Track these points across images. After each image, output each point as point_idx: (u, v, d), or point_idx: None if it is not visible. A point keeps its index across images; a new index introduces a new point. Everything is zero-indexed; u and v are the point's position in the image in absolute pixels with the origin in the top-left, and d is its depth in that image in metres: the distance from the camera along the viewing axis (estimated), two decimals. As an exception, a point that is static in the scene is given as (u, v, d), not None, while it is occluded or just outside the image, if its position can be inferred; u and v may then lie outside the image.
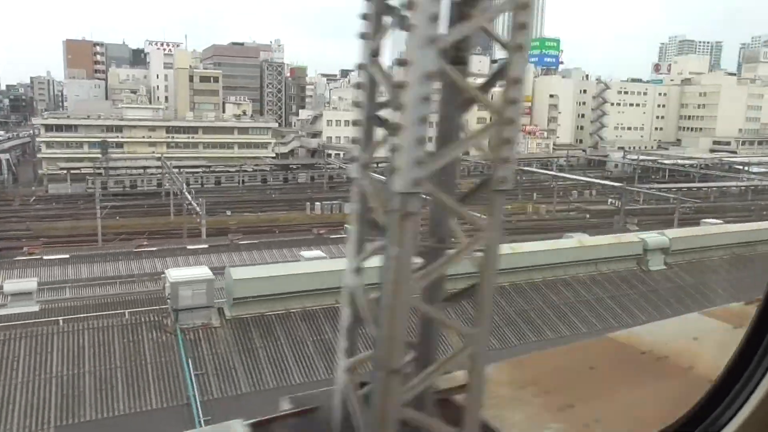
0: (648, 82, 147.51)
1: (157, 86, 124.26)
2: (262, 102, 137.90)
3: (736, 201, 79.61)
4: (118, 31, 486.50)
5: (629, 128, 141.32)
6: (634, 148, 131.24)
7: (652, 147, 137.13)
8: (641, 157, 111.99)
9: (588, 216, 71.95)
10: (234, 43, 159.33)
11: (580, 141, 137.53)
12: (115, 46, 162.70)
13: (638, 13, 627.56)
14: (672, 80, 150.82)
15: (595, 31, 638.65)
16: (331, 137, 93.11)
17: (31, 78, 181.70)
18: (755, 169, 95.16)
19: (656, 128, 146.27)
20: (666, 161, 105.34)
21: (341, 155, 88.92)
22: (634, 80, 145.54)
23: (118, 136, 79.61)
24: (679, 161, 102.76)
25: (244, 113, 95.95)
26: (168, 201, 64.88)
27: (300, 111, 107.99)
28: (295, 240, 37.95)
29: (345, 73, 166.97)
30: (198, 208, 41.51)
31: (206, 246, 33.09)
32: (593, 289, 16.80)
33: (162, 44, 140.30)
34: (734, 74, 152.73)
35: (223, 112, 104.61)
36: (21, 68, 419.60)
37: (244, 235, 47.16)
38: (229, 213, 66.08)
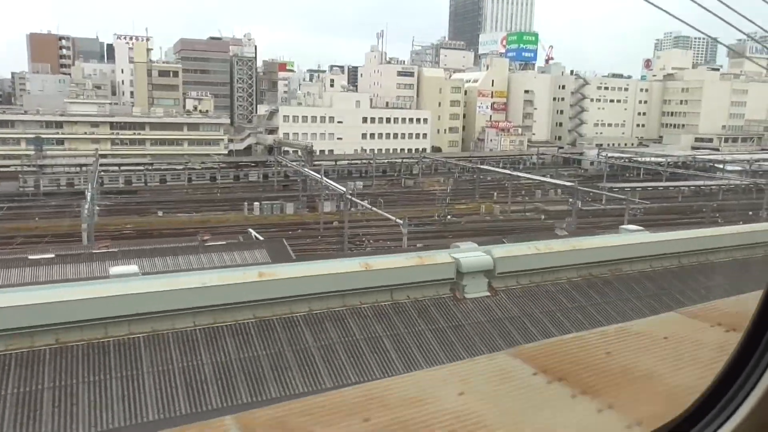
0: (630, 77, 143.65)
1: (122, 81, 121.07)
2: (232, 97, 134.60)
3: (698, 202, 76.24)
4: (110, 27, 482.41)
5: (609, 125, 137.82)
6: (612, 145, 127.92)
7: (632, 144, 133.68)
8: (616, 155, 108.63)
9: (543, 217, 68.66)
10: (212, 38, 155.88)
11: (559, 138, 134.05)
12: (87, 40, 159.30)
13: (638, 11, 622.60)
14: (654, 75, 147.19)
15: (595, 30, 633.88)
16: (288, 134, 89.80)
17: (12, 73, 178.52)
18: (731, 168, 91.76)
19: (638, 125, 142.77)
20: (641, 159, 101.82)
21: (297, 152, 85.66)
22: (615, 75, 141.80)
23: (58, 133, 76.34)
24: (654, 159, 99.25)
25: (194, 108, 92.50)
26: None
27: (258, 106, 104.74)
28: (173, 247, 34.29)
29: (337, 69, 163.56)
30: (86, 210, 38.01)
31: (52, 256, 29.40)
32: (376, 325, 13.32)
33: (131, 38, 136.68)
34: (717, 69, 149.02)
35: (184, 107, 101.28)
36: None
37: (139, 239, 43.59)
38: (160, 213, 62.72)
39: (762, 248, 21.91)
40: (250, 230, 40.26)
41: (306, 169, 64.18)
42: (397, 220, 41.57)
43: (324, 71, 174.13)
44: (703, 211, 58.12)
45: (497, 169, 74.32)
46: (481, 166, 77.04)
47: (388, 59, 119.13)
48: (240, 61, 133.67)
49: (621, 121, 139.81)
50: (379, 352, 13.47)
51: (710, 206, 58.42)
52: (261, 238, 38.34)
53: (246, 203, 65.15)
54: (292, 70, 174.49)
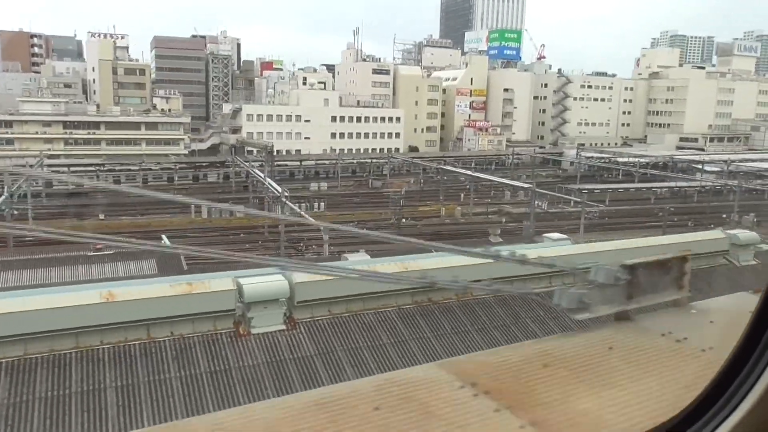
0: (615, 75, 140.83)
1: (93, 80, 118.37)
2: (207, 96, 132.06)
3: (668, 204, 73.55)
4: (102, 26, 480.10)
5: (593, 124, 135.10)
6: (595, 144, 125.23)
7: (616, 144, 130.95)
8: (594, 155, 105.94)
9: (504, 220, 65.95)
10: (194, 36, 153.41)
11: (542, 138, 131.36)
12: (63, 38, 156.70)
13: (637, 11, 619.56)
14: (640, 74, 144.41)
15: (595, 30, 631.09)
16: (252, 133, 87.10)
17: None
18: (711, 168, 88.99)
19: (623, 124, 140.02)
20: (619, 159, 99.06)
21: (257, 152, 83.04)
22: (599, 74, 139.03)
23: (7, 132, 73.70)
24: (632, 159, 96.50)
25: (153, 107, 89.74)
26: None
27: (224, 105, 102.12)
28: (59, 258, 31.61)
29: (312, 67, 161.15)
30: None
31: None
32: (120, 374, 10.79)
33: (105, 36, 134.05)
34: (703, 67, 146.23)
35: (153, 106, 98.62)
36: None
37: (42, 246, 40.76)
38: (101, 217, 60.10)
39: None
40: (164, 237, 37.59)
41: (256, 170, 61.48)
42: (319, 225, 38.82)
43: (313, 69, 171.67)
44: (660, 215, 55.27)
45: (458, 170, 71.70)
46: (444, 167, 74.16)
47: (363, 57, 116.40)
48: (215, 59, 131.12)
49: (605, 120, 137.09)
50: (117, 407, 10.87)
51: (670, 210, 55.62)
52: (169, 243, 35.63)
53: (192, 206, 62.37)
54: (279, 69, 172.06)
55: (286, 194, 47.50)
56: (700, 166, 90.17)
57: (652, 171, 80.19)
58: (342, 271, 13.66)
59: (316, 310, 13.95)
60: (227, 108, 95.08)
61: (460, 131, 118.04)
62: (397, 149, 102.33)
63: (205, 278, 13.87)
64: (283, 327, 13.19)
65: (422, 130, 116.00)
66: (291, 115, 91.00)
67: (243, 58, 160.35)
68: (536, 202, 66.87)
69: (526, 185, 58.85)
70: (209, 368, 11.86)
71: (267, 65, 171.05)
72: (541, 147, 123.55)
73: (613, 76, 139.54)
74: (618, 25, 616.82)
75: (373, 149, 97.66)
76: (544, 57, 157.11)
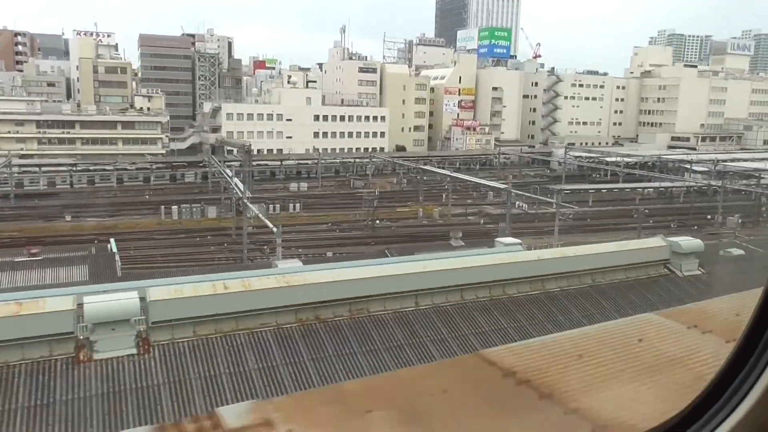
0: (606, 74, 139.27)
1: (77, 78, 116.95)
2: (194, 95, 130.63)
3: (652, 205, 72.14)
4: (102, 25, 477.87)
5: (585, 123, 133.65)
6: (585, 144, 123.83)
7: (607, 143, 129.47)
8: (583, 154, 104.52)
9: (482, 221, 64.55)
10: (186, 34, 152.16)
11: (532, 137, 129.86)
12: (50, 36, 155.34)
13: (636, 11, 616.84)
14: (632, 73, 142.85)
15: (594, 30, 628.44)
16: (232, 132, 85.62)
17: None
18: (699, 168, 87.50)
19: (615, 123, 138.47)
20: (607, 159, 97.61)
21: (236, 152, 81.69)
22: (590, 72, 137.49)
23: (-22, 132, 72.45)
24: (619, 159, 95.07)
25: (131, 106, 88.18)
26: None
27: (204, 104, 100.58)
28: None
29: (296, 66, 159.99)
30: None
31: None
32: None
33: (92, 34, 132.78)
34: (695, 66, 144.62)
35: (132, 105, 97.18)
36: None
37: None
38: (68, 218, 58.66)
39: (640, 270, 17.82)
40: (112, 241, 36.17)
41: (226, 170, 60.05)
42: (273, 228, 37.39)
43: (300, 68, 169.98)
44: (633, 216, 53.84)
45: (436, 170, 70.21)
46: (422, 167, 72.72)
47: (350, 55, 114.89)
48: (202, 58, 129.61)
49: (597, 119, 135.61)
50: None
51: (645, 211, 54.19)
52: (115, 250, 34.33)
53: (163, 207, 61.04)
54: (272, 68, 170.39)
55: (248, 196, 45.99)
56: (688, 166, 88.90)
57: (637, 171, 78.64)
58: (203, 286, 12.15)
59: (178, 331, 12.55)
60: (208, 107, 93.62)
61: (448, 130, 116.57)
62: (382, 149, 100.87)
63: (41, 296, 12.45)
64: (134, 351, 11.78)
65: (410, 129, 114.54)
66: (272, 114, 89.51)
67: (241, 57, 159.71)
68: (517, 203, 65.52)
69: (502, 186, 57.34)
70: (29, 402, 10.42)
71: (260, 64, 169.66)
72: (531, 146, 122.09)
73: (605, 74, 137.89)
74: (618, 25, 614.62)
75: (358, 149, 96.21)
76: (539, 56, 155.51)
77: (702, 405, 1.44)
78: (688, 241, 18.26)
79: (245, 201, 44.04)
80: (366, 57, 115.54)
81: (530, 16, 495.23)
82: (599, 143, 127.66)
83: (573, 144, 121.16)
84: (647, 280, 17.25)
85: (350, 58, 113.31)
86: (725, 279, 18.39)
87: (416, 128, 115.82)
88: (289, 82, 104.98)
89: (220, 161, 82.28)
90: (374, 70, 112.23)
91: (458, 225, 63.67)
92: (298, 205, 67.06)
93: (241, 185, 51.24)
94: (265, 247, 49.08)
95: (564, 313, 15.38)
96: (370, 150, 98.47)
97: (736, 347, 1.43)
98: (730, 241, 60.18)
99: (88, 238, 49.48)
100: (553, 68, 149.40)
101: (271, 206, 66.01)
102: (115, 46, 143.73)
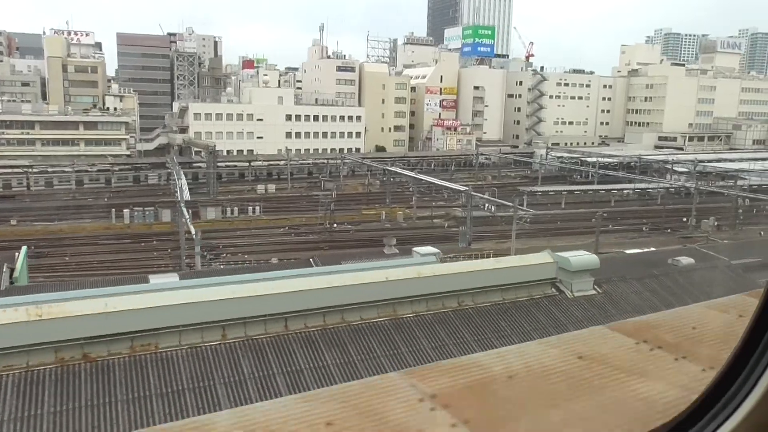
0: (592, 73, 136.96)
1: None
2: (173, 95, 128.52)
3: (621, 207, 70.04)
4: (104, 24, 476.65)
5: (571, 123, 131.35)
6: (570, 144, 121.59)
7: (593, 143, 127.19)
8: (564, 155, 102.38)
9: (447, 224, 62.32)
10: (170, 33, 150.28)
11: (517, 137, 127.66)
12: (29, 36, 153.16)
13: (635, 11, 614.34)
14: (619, 71, 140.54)
15: (594, 30, 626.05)
16: (200, 132, 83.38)
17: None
18: (680, 168, 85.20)
19: (602, 123, 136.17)
20: (589, 159, 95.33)
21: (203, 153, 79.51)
22: (576, 71, 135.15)
23: (-68, 133, 70.35)
24: (600, 159, 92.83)
25: (94, 106, 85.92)
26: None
27: (174, 103, 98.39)
28: None
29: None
30: None
31: None
32: None
33: (69, 33, 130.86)
34: (683, 64, 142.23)
35: (103, 105, 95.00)
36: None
37: None
38: (13, 222, 56.50)
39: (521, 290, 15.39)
40: (24, 248, 33.90)
41: (180, 172, 57.84)
42: (194, 233, 35.17)
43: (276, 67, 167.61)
44: (592, 220, 51.64)
45: (400, 170, 68.01)
46: (388, 168, 70.52)
47: (328, 54, 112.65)
48: (181, 57, 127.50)
49: (583, 119, 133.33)
50: None
51: (602, 215, 51.96)
52: (22, 259, 32.10)
53: (114, 210, 58.85)
54: (260, 67, 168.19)
55: (186, 200, 43.80)
56: (669, 167, 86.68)
57: (612, 172, 76.44)
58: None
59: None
60: (177, 106, 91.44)
61: (429, 131, 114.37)
62: (358, 149, 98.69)
63: None
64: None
65: (390, 129, 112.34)
66: (242, 114, 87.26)
67: (238, 56, 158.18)
68: (486, 206, 63.30)
69: (462, 188, 55.12)
70: None
71: (248, 64, 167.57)
72: (514, 147, 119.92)
73: (591, 73, 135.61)
74: (618, 25, 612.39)
75: (333, 149, 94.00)
76: (532, 55, 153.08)
77: (703, 406, 1.42)
78: (579, 257, 16.02)
79: (181, 205, 41.79)
80: (345, 56, 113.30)
81: (530, 16, 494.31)
82: (585, 143, 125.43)
83: (557, 144, 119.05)
84: (528, 302, 15.05)
85: (328, 57, 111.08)
86: (625, 300, 16.13)
87: (397, 128, 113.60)
88: (264, 82, 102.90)
89: (185, 162, 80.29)
90: (352, 69, 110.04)
91: (421, 228, 61.53)
92: (257, 207, 64.81)
93: (186, 188, 49.03)
94: (205, 253, 46.82)
95: (414, 341, 13.19)
96: (345, 151, 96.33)
97: (736, 348, 1.40)
98: (701, 244, 57.99)
99: (16, 245, 47.34)
100: (542, 67, 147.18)
101: (229, 209, 63.91)
102: (99, 45, 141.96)
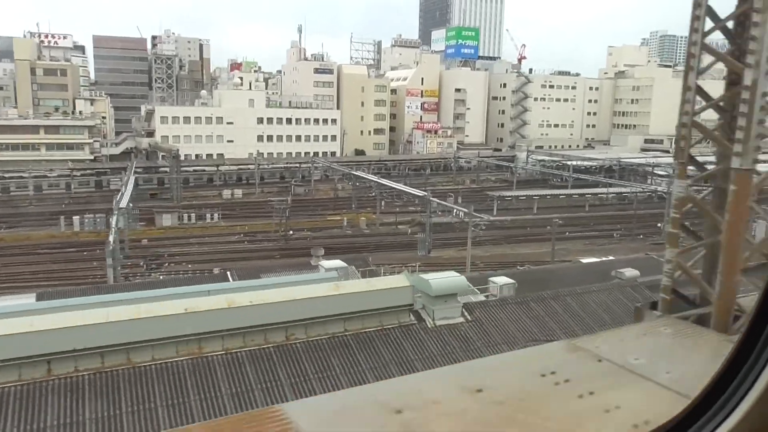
0: (578, 74, 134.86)
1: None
2: (151, 98, 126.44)
3: (600, 211, 67.85)
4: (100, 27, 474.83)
5: (556, 125, 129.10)
6: (554, 147, 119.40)
7: (578, 146, 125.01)
8: (545, 158, 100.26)
9: (410, 231, 60.07)
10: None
11: (501, 140, 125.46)
12: (4, 38, 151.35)
13: (634, 12, 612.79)
14: (606, 73, 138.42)
15: (593, 32, 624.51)
16: (167, 136, 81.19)
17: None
18: (661, 172, 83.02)
19: (588, 125, 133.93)
20: (569, 162, 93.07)
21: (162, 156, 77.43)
22: (561, 73, 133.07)
23: None
24: (580, 163, 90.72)
25: (55, 109, 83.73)
26: None
27: (141, 107, 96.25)
28: None
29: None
30: None
31: None
32: None
33: (47, 36, 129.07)
34: (670, 66, 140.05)
35: (73, 109, 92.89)
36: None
37: None
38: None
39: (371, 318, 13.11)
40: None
41: (133, 177, 55.73)
42: (111, 243, 33.02)
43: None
44: (553, 227, 49.56)
45: (366, 175, 65.90)
46: (353, 173, 68.39)
47: (306, 56, 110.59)
48: (159, 60, 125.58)
49: (569, 121, 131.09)
50: None
51: (557, 222, 49.91)
52: None
53: (62, 217, 56.72)
54: (255, 70, 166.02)
55: (122, 206, 41.68)
56: (649, 169, 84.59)
57: (584, 176, 74.32)
58: None
59: None
60: (144, 109, 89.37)
61: (410, 134, 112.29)
62: (333, 153, 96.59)
63: None
64: None
65: (369, 132, 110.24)
66: (211, 117, 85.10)
67: (234, 59, 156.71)
68: (455, 211, 61.07)
69: (421, 193, 52.94)
70: None
71: (236, 66, 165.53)
72: (497, 150, 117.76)
73: (578, 75, 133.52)
74: (615, 27, 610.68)
75: (307, 153, 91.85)
76: (524, 57, 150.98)
77: (700, 406, 1.42)
78: (442, 280, 13.82)
79: (115, 213, 39.65)
80: (322, 57, 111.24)
81: (527, 19, 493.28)
82: (570, 146, 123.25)
83: (541, 147, 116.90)
84: (376, 333, 12.90)
85: (306, 59, 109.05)
86: (497, 328, 13.96)
87: (377, 131, 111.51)
88: (241, 84, 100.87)
89: (150, 167, 78.26)
90: (330, 71, 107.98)
91: (383, 235, 59.37)
92: (216, 214, 62.69)
93: (128, 194, 46.94)
94: (141, 264, 44.73)
95: (213, 386, 11.04)
96: (321, 154, 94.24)
97: (734, 349, 1.40)
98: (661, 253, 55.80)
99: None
100: (530, 69, 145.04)
101: (186, 215, 61.82)
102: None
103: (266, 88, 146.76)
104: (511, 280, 27.71)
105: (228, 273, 30.01)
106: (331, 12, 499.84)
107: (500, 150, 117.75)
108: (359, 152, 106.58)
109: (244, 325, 11.63)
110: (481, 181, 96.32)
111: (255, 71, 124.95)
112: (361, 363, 12.00)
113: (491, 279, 28.00)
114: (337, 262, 23.52)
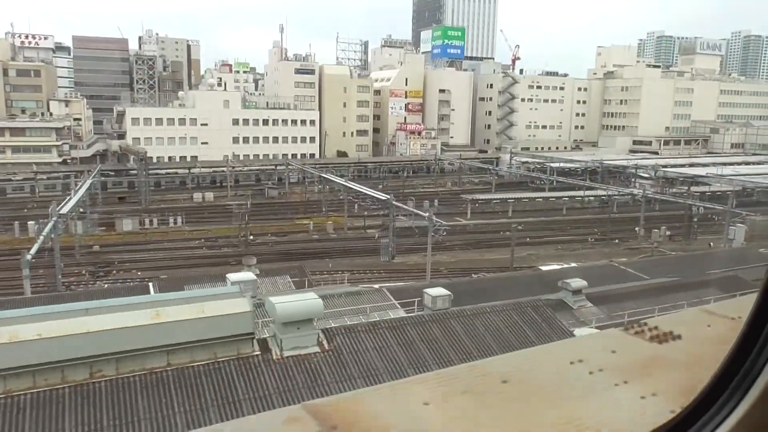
0: (566, 75, 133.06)
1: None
2: (133, 99, 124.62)
3: (571, 216, 65.91)
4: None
5: (544, 127, 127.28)
6: (542, 148, 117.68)
7: (565, 147, 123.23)
8: (528, 160, 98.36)
9: (378, 235, 58.21)
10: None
11: (488, 141, 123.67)
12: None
13: (633, 13, 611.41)
14: (595, 73, 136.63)
15: (592, 33, 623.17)
16: (139, 138, 79.42)
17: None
18: (644, 174, 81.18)
19: (577, 126, 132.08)
20: (552, 164, 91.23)
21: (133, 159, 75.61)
22: (549, 73, 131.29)
23: None
24: (563, 165, 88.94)
25: (22, 112, 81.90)
26: None
27: (115, 107, 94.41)
28: None
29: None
30: None
31: None
32: None
33: (26, 36, 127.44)
34: (658, 66, 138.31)
35: (48, 110, 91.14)
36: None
37: None
38: None
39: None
40: None
41: (88, 180, 53.91)
42: (32, 251, 31.20)
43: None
44: (503, 232, 47.80)
45: (334, 178, 64.06)
46: (323, 175, 66.54)
47: (286, 56, 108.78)
48: (140, 61, 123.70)
49: (557, 122, 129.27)
50: None
51: (517, 228, 48.12)
52: None
53: (17, 222, 54.92)
54: (248, 71, 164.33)
55: (62, 212, 39.83)
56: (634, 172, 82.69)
57: (560, 178, 72.48)
58: None
59: None
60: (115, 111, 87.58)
61: (395, 135, 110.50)
62: (312, 155, 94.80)
63: None
64: None
65: (352, 133, 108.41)
66: (184, 118, 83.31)
67: (221, 61, 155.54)
68: (427, 214, 59.09)
69: (383, 196, 51.09)
70: None
71: (227, 67, 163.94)
72: (482, 151, 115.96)
73: (565, 75, 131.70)
74: (613, 29, 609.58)
75: (285, 155, 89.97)
76: (518, 58, 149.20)
77: (699, 407, 1.43)
78: (292, 304, 11.91)
79: (53, 219, 37.81)
80: (304, 57, 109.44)
81: (525, 22, 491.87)
82: (557, 148, 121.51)
83: (528, 149, 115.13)
84: (207, 368, 11.05)
85: (286, 59, 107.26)
86: (357, 360, 12.09)
87: (360, 133, 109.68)
88: (219, 84, 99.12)
89: (119, 170, 76.55)
90: (312, 72, 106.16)
91: (350, 240, 57.48)
92: (180, 218, 60.83)
93: (75, 199, 45.11)
94: (83, 271, 42.89)
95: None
96: (299, 156, 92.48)
97: (732, 350, 1.41)
98: (649, 255, 53.93)
99: None
100: (521, 70, 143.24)
101: (148, 220, 59.98)
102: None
103: (256, 89, 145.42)
104: (446, 292, 25.91)
105: (150, 284, 28.20)
106: (332, 16, 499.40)
107: (486, 152, 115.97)
108: (342, 154, 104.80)
109: (31, 363, 9.80)
110: (464, 183, 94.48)
111: (245, 72, 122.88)
112: (174, 406, 10.17)
113: (425, 291, 26.19)
114: (246, 275, 21.63)
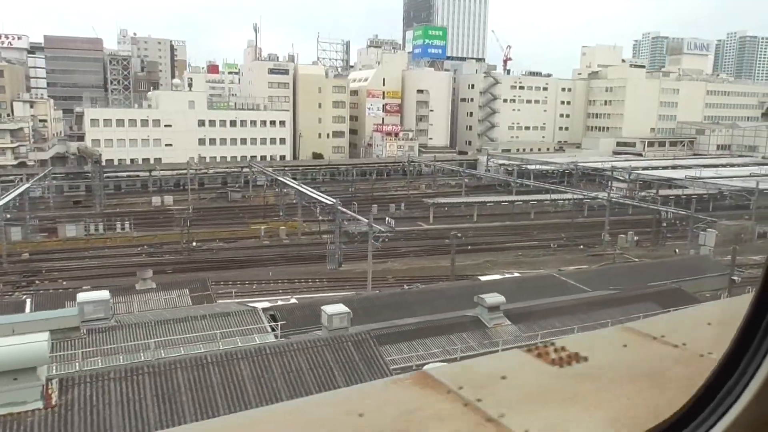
0: (550, 75, 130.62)
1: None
2: (108, 100, 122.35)
3: (540, 220, 63.57)
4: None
5: (527, 128, 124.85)
6: (523, 150, 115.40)
7: (548, 149, 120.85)
8: (505, 162, 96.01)
9: (329, 241, 55.81)
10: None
11: (469, 143, 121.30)
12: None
13: (631, 14, 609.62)
14: (580, 74, 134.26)
15: (588, 35, 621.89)
16: (99, 140, 77.07)
17: None
18: (620, 177, 78.72)
19: (561, 127, 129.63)
20: (529, 166, 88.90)
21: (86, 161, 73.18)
22: (533, 73, 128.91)
23: None
24: (539, 167, 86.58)
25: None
26: None
27: (75, 108, 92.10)
28: None
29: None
30: None
31: None
32: None
33: (6, 36, 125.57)
34: (642, 66, 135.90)
35: (11, 112, 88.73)
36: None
37: None
38: None
39: None
40: None
41: (26, 184, 51.54)
42: None
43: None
44: (454, 237, 45.52)
45: (287, 181, 61.69)
46: (279, 178, 64.15)
47: (262, 56, 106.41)
48: (114, 60, 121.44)
49: (541, 123, 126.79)
50: None
51: (457, 236, 45.75)
52: None
53: (-49, 228, 52.33)
54: (234, 72, 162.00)
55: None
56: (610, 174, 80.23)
57: (527, 181, 70.10)
58: None
59: None
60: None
61: (372, 136, 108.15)
62: (283, 156, 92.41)
63: None
64: None
65: (328, 135, 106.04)
66: (147, 120, 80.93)
67: (208, 61, 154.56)
68: (387, 219, 56.65)
69: (330, 200, 48.67)
70: None
71: (214, 68, 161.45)
72: (462, 153, 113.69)
73: (549, 75, 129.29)
74: (612, 30, 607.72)
75: (254, 156, 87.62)
76: (510, 59, 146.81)
77: (696, 406, 1.43)
78: (9, 348, 9.47)
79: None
80: (278, 57, 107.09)
81: (522, 20, 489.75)
82: (540, 149, 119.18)
83: (509, 150, 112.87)
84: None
85: (259, 59, 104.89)
86: (96, 416, 9.67)
87: (336, 134, 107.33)
88: (190, 85, 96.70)
89: (77, 173, 74.27)
90: (286, 72, 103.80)
91: (302, 245, 55.08)
92: (128, 223, 58.39)
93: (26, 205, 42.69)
94: (4, 281, 40.46)
95: None
96: (269, 158, 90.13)
97: (730, 347, 1.40)
98: (610, 263, 51.49)
99: None
100: (508, 71, 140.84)
101: (93, 225, 57.54)
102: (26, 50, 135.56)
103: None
104: (345, 309, 23.53)
105: (27, 301, 25.77)
106: (332, 16, 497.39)
107: (466, 153, 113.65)
108: (317, 156, 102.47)
109: None
110: (440, 185, 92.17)
111: (230, 73, 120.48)
112: None
113: (323, 308, 23.81)
114: (100, 294, 19.16)
